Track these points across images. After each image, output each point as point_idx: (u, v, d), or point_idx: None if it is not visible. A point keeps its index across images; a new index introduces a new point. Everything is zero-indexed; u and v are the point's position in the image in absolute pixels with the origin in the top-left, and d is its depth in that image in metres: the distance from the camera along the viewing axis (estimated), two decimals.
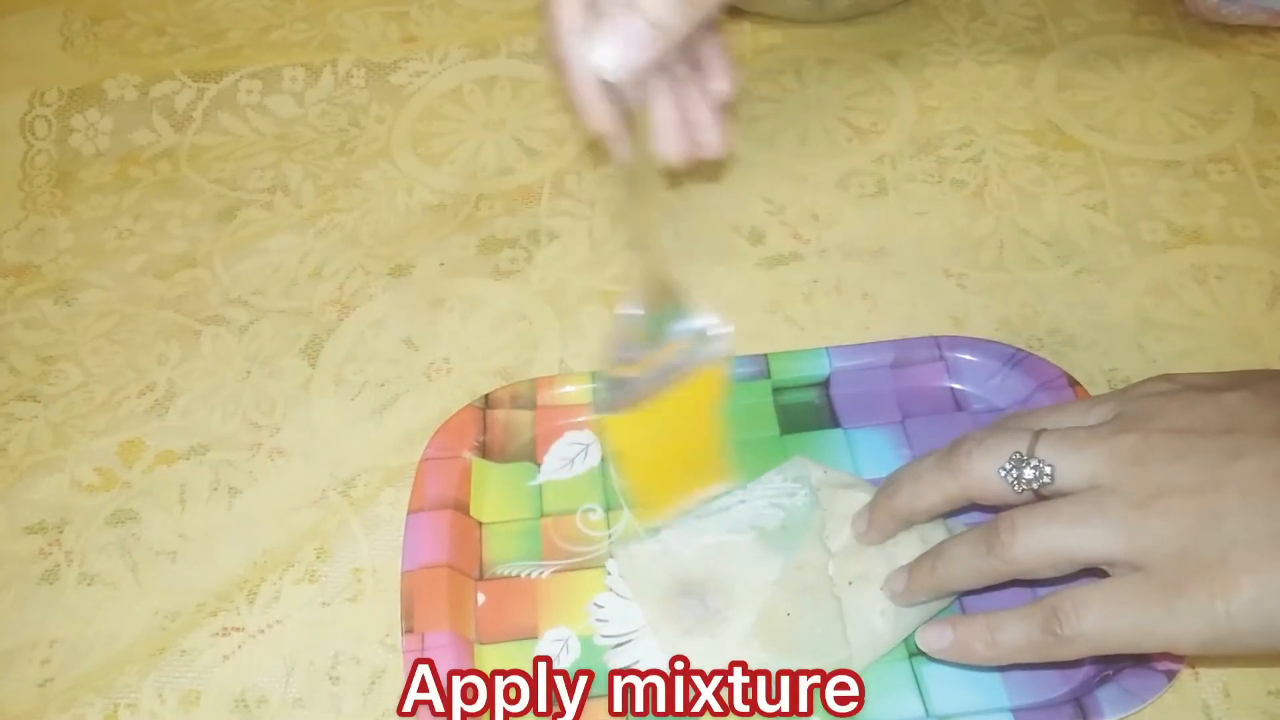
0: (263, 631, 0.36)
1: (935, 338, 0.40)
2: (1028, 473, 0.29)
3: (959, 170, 0.47)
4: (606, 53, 0.27)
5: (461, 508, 0.37)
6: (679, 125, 0.33)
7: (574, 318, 0.43)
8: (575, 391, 0.39)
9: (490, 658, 0.34)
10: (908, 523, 0.33)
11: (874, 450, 0.38)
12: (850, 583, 0.33)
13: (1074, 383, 0.38)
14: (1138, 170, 0.46)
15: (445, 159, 0.50)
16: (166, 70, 0.53)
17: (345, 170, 0.50)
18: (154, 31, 0.56)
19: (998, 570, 0.30)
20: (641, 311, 0.33)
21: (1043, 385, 0.38)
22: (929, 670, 0.33)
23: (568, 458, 0.39)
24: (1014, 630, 0.29)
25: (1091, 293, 0.42)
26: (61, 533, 0.39)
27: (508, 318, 0.44)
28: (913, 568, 0.32)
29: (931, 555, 0.32)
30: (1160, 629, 0.27)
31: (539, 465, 0.39)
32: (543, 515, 0.37)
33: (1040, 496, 0.30)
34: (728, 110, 0.34)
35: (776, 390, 0.40)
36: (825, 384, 0.40)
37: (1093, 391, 0.38)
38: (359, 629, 0.36)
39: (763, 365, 0.39)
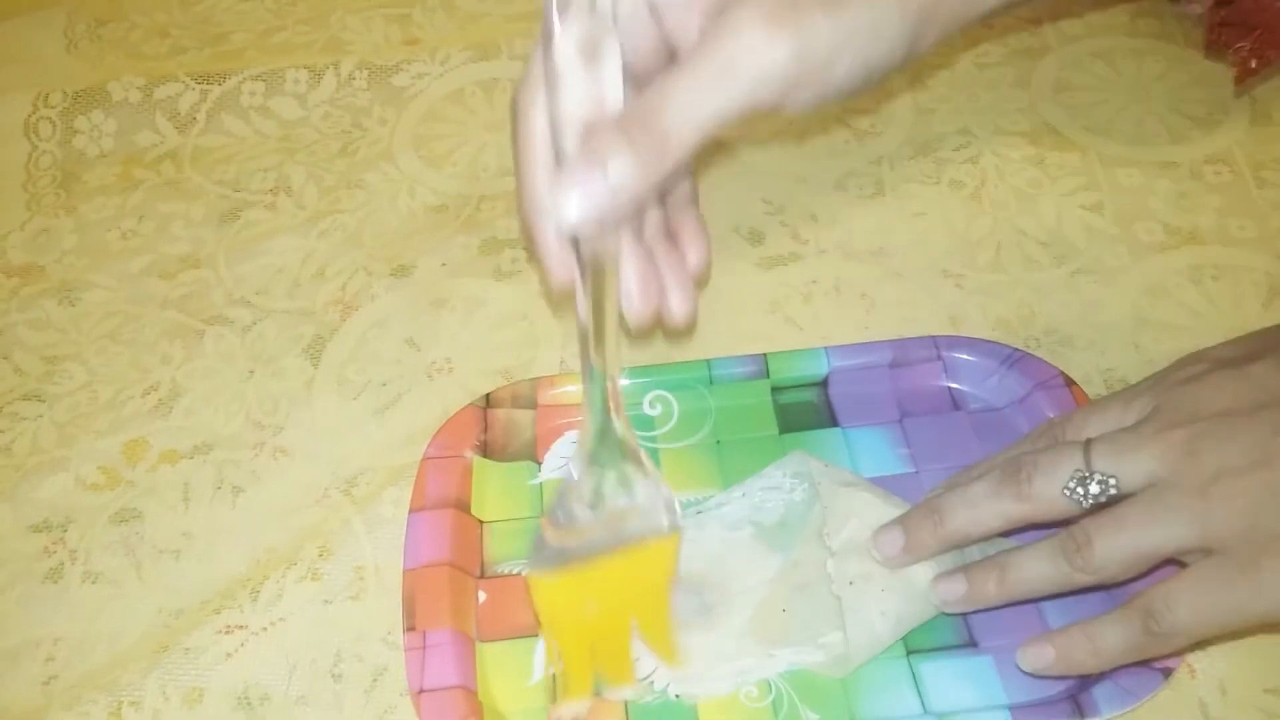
0: (265, 629, 0.36)
1: (933, 337, 0.40)
2: (1094, 488, 0.30)
3: (957, 171, 0.47)
4: (569, 208, 0.27)
5: (463, 506, 0.37)
6: (646, 289, 0.32)
7: (574, 318, 0.43)
8: (576, 391, 0.40)
9: (491, 656, 0.34)
10: (955, 547, 0.33)
11: (872, 449, 0.38)
12: (851, 582, 0.33)
13: (1071, 382, 0.38)
14: (1134, 171, 0.46)
15: (447, 160, 0.50)
16: (170, 72, 0.53)
17: (348, 172, 0.50)
18: (157, 34, 0.56)
19: (1079, 582, 0.30)
20: (584, 469, 0.30)
21: (1040, 385, 0.38)
22: (926, 668, 0.33)
23: (568, 457, 0.39)
24: (1114, 635, 0.30)
25: (1088, 293, 0.43)
26: (66, 531, 0.39)
27: (509, 318, 0.44)
28: (973, 577, 0.32)
29: (997, 567, 0.32)
30: (1250, 606, 0.28)
31: (540, 464, 0.39)
32: (544, 514, 0.37)
33: (1103, 505, 0.30)
34: (699, 282, 0.33)
35: (775, 390, 0.40)
36: (824, 384, 0.40)
37: (1089, 391, 0.38)
38: (361, 627, 0.36)
39: (762, 365, 0.40)
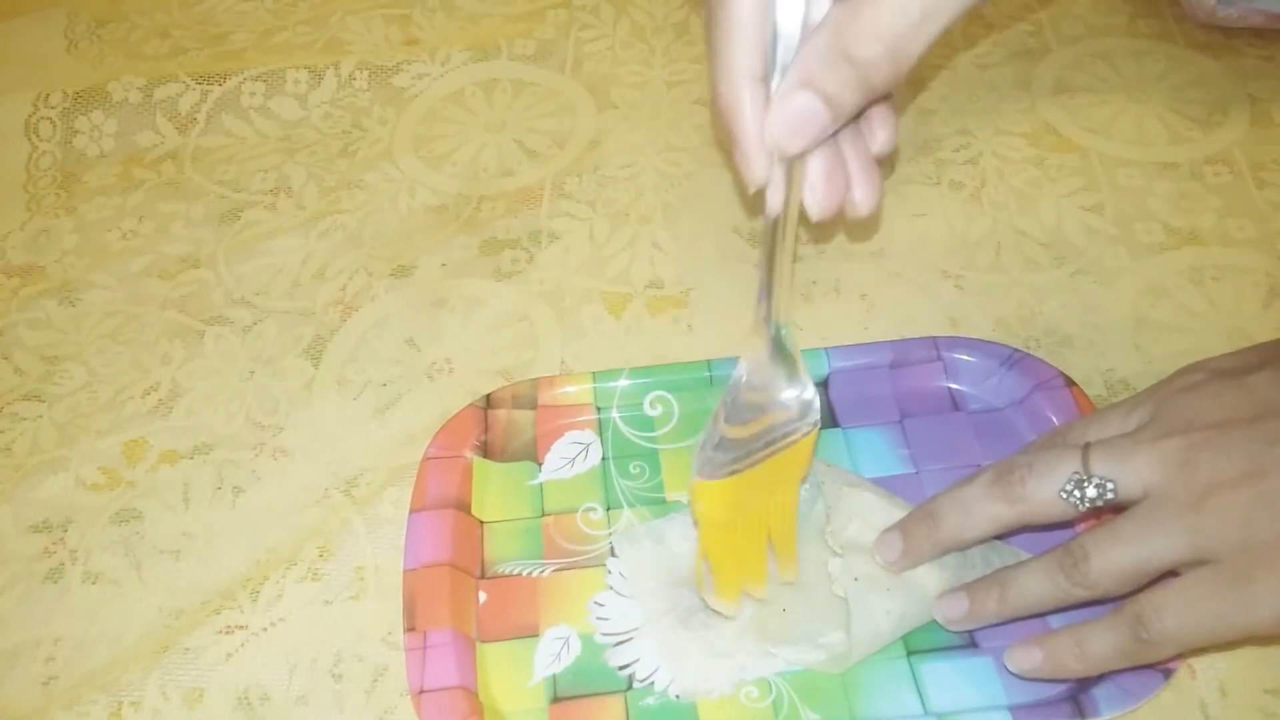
0: (266, 629, 0.36)
1: (933, 338, 0.40)
2: (1090, 491, 0.30)
3: (956, 172, 0.47)
4: (784, 133, 0.27)
5: (463, 507, 0.37)
6: (832, 182, 0.31)
7: (575, 318, 0.44)
8: (576, 391, 0.40)
9: (492, 656, 0.34)
10: (951, 550, 0.33)
11: (872, 450, 0.38)
12: (856, 579, 0.33)
13: (1071, 383, 0.38)
14: (1134, 172, 0.46)
15: (447, 161, 0.50)
16: (170, 73, 0.53)
17: (348, 172, 0.50)
18: (158, 34, 0.56)
19: (1078, 597, 0.30)
20: (756, 369, 0.31)
21: (1040, 385, 0.38)
22: (927, 668, 0.33)
23: (568, 457, 0.39)
24: (1103, 641, 0.30)
25: (1088, 293, 0.43)
26: (66, 531, 0.39)
27: (509, 318, 0.44)
28: (975, 595, 0.32)
29: (997, 585, 0.32)
30: (1238, 618, 0.28)
31: (540, 464, 0.39)
32: (544, 514, 0.38)
33: (1099, 510, 0.30)
34: (884, 167, 0.32)
35: None
36: (824, 384, 0.40)
37: (1089, 391, 0.38)
38: (361, 627, 0.36)
39: None
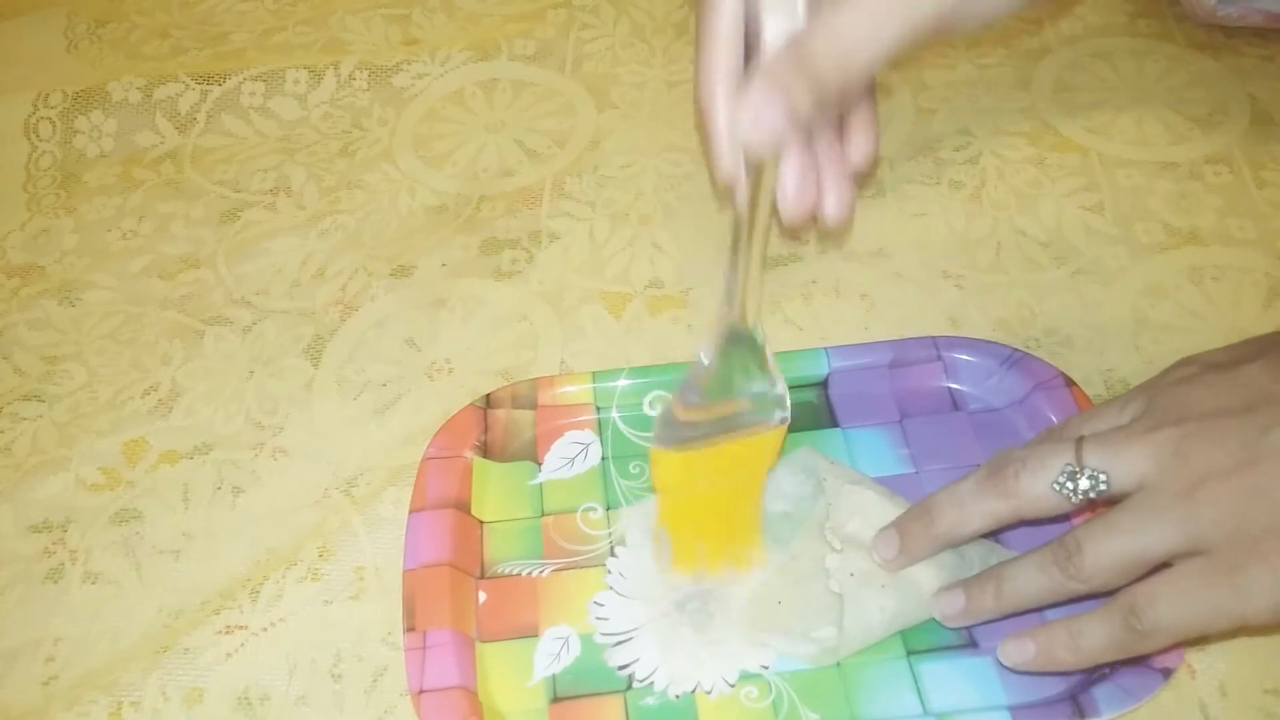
0: (265, 630, 0.36)
1: (933, 338, 0.40)
2: (1083, 484, 0.30)
3: (957, 172, 0.47)
4: (747, 127, 0.28)
5: (463, 507, 0.37)
6: (803, 188, 0.32)
7: (574, 318, 0.44)
8: (576, 391, 0.40)
9: (491, 656, 0.34)
10: (947, 547, 0.33)
11: (872, 450, 0.38)
12: (851, 574, 0.33)
13: (1071, 383, 0.38)
14: (1134, 172, 0.46)
15: (447, 161, 0.50)
16: (170, 73, 0.53)
17: (347, 172, 0.50)
18: (158, 34, 0.56)
19: (1072, 590, 0.30)
20: (714, 359, 0.32)
21: (1040, 385, 0.38)
22: (926, 668, 0.33)
23: (568, 457, 0.39)
24: (1096, 632, 0.30)
25: (1088, 293, 0.43)
26: (66, 532, 0.39)
27: (509, 318, 0.44)
28: (971, 591, 0.32)
29: (994, 579, 0.32)
30: (1232, 607, 0.28)
31: (540, 464, 0.39)
32: (543, 514, 0.38)
33: (1093, 502, 0.30)
34: (861, 180, 0.33)
35: None
36: (824, 384, 0.40)
37: (1089, 391, 0.38)
38: (361, 627, 0.36)
39: None
